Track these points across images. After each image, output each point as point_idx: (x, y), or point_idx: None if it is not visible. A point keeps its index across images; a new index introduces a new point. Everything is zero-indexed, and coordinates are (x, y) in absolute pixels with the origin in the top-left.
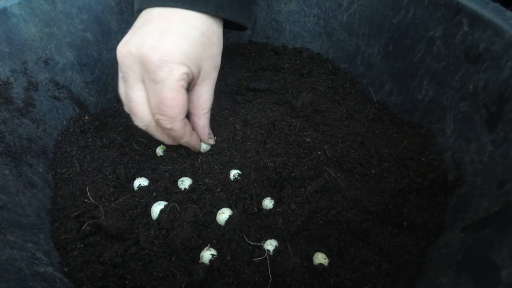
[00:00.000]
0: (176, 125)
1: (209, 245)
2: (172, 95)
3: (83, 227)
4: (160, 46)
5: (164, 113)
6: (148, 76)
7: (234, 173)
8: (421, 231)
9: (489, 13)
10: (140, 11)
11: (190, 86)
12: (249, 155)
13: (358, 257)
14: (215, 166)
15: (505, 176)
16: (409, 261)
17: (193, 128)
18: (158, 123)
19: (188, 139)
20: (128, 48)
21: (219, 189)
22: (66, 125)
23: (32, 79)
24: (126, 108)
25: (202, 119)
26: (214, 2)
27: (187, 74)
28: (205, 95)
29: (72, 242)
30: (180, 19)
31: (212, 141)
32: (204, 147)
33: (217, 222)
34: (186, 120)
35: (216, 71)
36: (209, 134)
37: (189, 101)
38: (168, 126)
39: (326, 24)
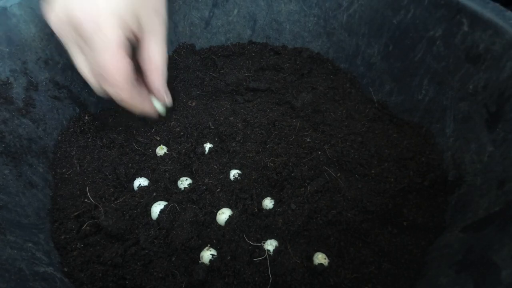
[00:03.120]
0: (124, 94)
1: (209, 245)
2: (111, 60)
3: (83, 227)
4: (88, 6)
5: (106, 81)
6: (84, 43)
7: (234, 173)
8: (421, 231)
9: (489, 13)
10: None
11: (136, 43)
12: (249, 155)
13: (358, 257)
14: (215, 166)
15: (505, 176)
16: (409, 261)
17: (148, 88)
18: (110, 95)
19: (140, 107)
20: (56, 14)
21: (219, 189)
22: (66, 125)
23: (32, 79)
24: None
25: (154, 75)
26: None
27: (124, 32)
28: (153, 48)
29: (72, 242)
30: None
31: (168, 101)
32: (159, 108)
33: (217, 222)
34: (137, 89)
35: (159, 19)
36: (165, 92)
37: (140, 59)
38: (116, 96)
39: (326, 24)
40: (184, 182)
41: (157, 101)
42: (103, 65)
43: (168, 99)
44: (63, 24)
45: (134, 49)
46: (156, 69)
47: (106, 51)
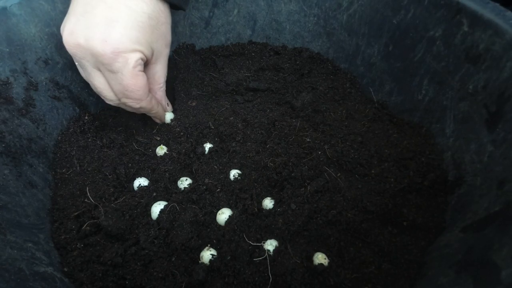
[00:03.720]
0: (143, 103)
1: (209, 245)
2: (133, 81)
3: (83, 227)
4: (110, 38)
5: (129, 97)
6: (104, 67)
7: (234, 173)
8: (421, 231)
9: (489, 13)
10: None
11: (145, 65)
12: (249, 155)
13: (358, 257)
14: (215, 166)
15: (505, 176)
16: (409, 261)
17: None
18: (126, 105)
19: (156, 109)
20: (75, 39)
21: (219, 189)
22: (66, 125)
23: (32, 79)
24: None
25: (159, 93)
26: None
27: (141, 58)
28: (159, 71)
29: (72, 242)
30: (125, 4)
31: (170, 109)
32: (168, 117)
33: (217, 222)
34: (151, 95)
35: (167, 47)
36: (167, 103)
37: (147, 75)
38: (136, 106)
39: (326, 24)
40: (184, 182)
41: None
42: (125, 84)
43: (169, 107)
44: (82, 48)
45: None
46: (159, 87)
47: (127, 74)
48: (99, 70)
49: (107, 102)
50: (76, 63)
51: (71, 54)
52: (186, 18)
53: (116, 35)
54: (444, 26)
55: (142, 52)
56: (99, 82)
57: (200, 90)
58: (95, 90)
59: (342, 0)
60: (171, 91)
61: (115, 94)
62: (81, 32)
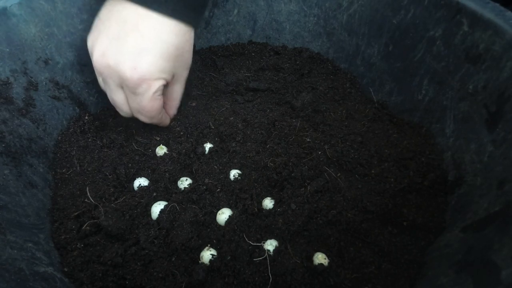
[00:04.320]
0: (155, 120)
1: (209, 245)
2: (150, 104)
3: (83, 227)
4: (139, 66)
5: (144, 115)
6: (128, 88)
7: (234, 173)
8: (421, 231)
9: (489, 13)
10: None
11: (164, 86)
12: (249, 155)
13: (358, 257)
14: (215, 166)
15: (505, 176)
16: (409, 261)
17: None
18: (138, 118)
19: (164, 121)
20: (106, 61)
21: (219, 189)
22: (66, 125)
23: (32, 79)
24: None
25: (173, 109)
26: (178, 8)
27: (163, 84)
28: (177, 91)
29: (72, 242)
30: (157, 35)
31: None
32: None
33: (217, 222)
34: (163, 111)
35: (187, 70)
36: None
37: (165, 93)
38: (148, 121)
39: (326, 24)
40: (184, 182)
41: None
42: (143, 105)
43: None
44: (110, 69)
45: None
46: (175, 105)
47: (147, 97)
48: (121, 88)
49: (120, 113)
50: (99, 78)
51: (97, 72)
52: None
53: (144, 64)
54: (444, 26)
55: (165, 79)
56: (119, 98)
57: (200, 90)
58: (112, 102)
59: (342, 0)
60: None
61: (131, 109)
62: (112, 55)
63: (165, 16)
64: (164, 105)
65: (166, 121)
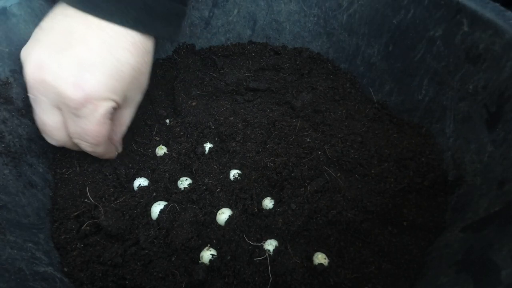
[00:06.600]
0: (99, 149)
1: (209, 245)
2: (97, 128)
3: (83, 227)
4: (84, 83)
5: (86, 141)
6: (68, 109)
7: (234, 173)
8: (421, 231)
9: (489, 13)
10: None
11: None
12: (249, 155)
13: (358, 257)
14: (215, 166)
15: (505, 176)
16: (409, 261)
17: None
18: (78, 145)
19: (108, 154)
20: (42, 75)
21: (219, 189)
22: None
23: None
24: (38, 127)
25: (118, 135)
26: (142, 18)
27: (113, 107)
28: (127, 116)
29: (72, 242)
30: (108, 51)
31: (119, 150)
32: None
33: (217, 222)
34: (108, 141)
35: (142, 95)
36: (119, 143)
37: (113, 118)
38: (89, 150)
39: (326, 24)
40: (184, 182)
41: None
42: (87, 129)
43: (119, 149)
44: (47, 85)
45: None
46: (121, 131)
47: (93, 121)
48: (59, 109)
49: (48, 141)
50: (30, 95)
51: (29, 87)
52: (186, 18)
53: (91, 81)
54: (444, 26)
55: (115, 101)
56: (52, 121)
57: (200, 90)
58: (40, 125)
59: (342, 0)
60: (171, 91)
61: (69, 133)
62: (51, 69)
63: (123, 27)
64: (112, 130)
65: (112, 153)
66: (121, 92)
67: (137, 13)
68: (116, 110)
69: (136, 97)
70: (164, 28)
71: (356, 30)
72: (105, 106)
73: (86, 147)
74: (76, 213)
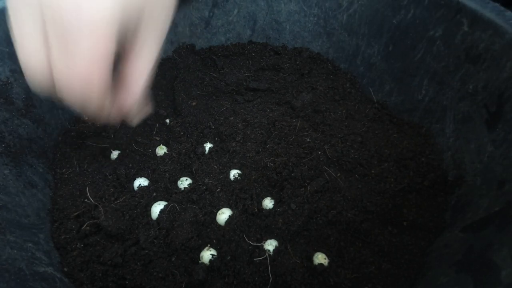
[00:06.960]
0: (94, 102)
1: (209, 245)
2: (92, 69)
3: (83, 227)
4: (88, 6)
5: (74, 87)
6: (62, 34)
7: (234, 173)
8: (421, 231)
9: (489, 13)
10: None
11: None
12: (249, 155)
13: (358, 257)
14: (215, 166)
15: (505, 176)
16: (409, 261)
17: (117, 100)
18: (61, 92)
19: (103, 119)
20: None
21: (219, 189)
22: (66, 125)
23: None
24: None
25: (135, 88)
26: None
27: (120, 21)
28: (145, 52)
29: (72, 242)
30: None
31: (135, 120)
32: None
33: (217, 222)
34: (107, 92)
35: (167, 13)
36: (137, 110)
37: (124, 60)
38: (77, 102)
39: (326, 24)
40: (184, 182)
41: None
42: (82, 48)
43: (135, 119)
44: (37, 1)
45: None
46: (138, 80)
47: (90, 56)
48: (41, 20)
49: (26, 77)
50: (8, 3)
51: None
52: (186, 18)
53: (96, 3)
54: (444, 26)
55: (126, 9)
56: (32, 37)
57: (200, 90)
58: (21, 56)
59: (342, 0)
60: (171, 91)
61: (52, 66)
62: None
63: None
64: (120, 85)
65: (112, 117)
66: (135, 6)
67: None
68: (128, 37)
69: (160, 16)
70: None
71: (356, 30)
72: (109, 38)
73: (70, 98)
74: (76, 213)
